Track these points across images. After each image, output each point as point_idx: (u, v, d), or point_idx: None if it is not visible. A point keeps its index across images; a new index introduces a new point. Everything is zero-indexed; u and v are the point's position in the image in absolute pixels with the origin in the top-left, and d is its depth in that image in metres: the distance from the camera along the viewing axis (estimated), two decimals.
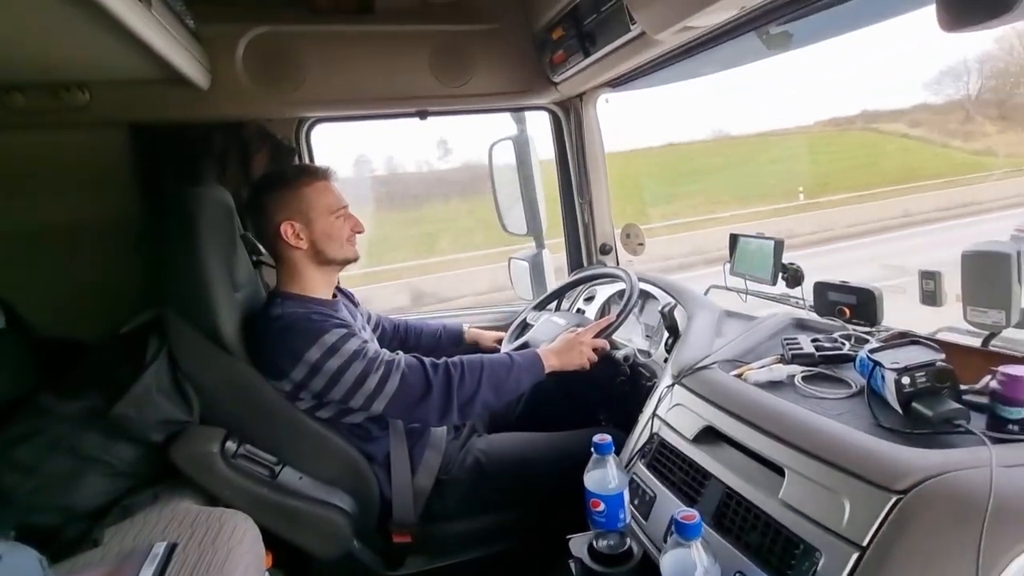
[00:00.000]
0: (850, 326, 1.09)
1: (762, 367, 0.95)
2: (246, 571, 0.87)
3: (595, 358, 1.22)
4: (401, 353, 1.13)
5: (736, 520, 0.75)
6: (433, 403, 1.08)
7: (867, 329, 1.07)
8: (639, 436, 1.01)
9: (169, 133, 1.45)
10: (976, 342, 0.93)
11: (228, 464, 1.05)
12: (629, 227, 1.86)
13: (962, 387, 0.75)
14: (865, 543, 0.60)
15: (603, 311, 1.67)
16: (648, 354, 1.41)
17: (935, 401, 0.72)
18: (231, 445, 1.06)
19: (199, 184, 1.40)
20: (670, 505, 0.85)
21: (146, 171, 1.45)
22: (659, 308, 1.31)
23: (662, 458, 0.92)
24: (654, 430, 0.98)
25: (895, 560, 0.57)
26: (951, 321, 0.98)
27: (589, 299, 1.76)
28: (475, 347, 1.56)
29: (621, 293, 1.48)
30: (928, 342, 0.81)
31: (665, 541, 0.78)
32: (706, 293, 1.50)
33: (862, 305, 1.07)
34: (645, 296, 1.57)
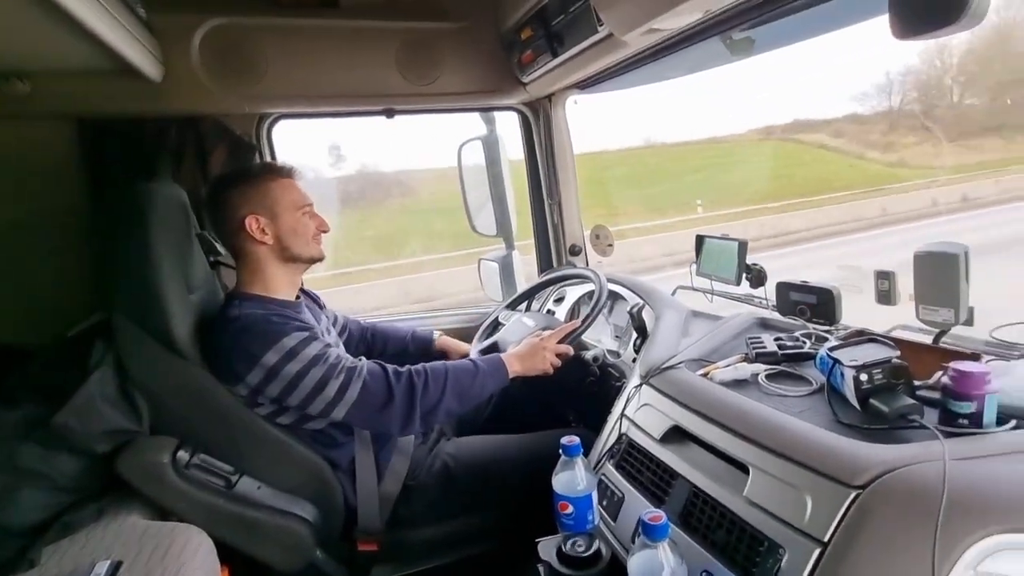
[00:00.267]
0: (811, 325, 1.12)
1: (727, 366, 0.96)
2: None
3: (559, 363, 1.22)
4: (364, 359, 1.10)
5: (703, 519, 0.75)
6: (395, 412, 1.05)
7: (827, 328, 1.09)
8: (607, 437, 1.01)
9: (121, 127, 1.38)
10: (928, 339, 0.96)
11: (180, 475, 1.00)
12: (598, 228, 1.87)
13: (916, 383, 0.77)
14: (826, 539, 0.60)
15: (573, 312, 1.68)
16: (617, 354, 1.42)
17: (891, 397, 0.74)
18: (183, 455, 1.01)
19: (153, 181, 1.33)
20: (638, 505, 0.84)
21: (95, 167, 1.38)
22: (628, 309, 1.32)
23: (630, 458, 0.92)
24: (622, 430, 0.98)
25: (855, 554, 0.58)
26: (906, 319, 1.02)
27: (559, 300, 1.76)
28: (444, 356, 1.54)
29: (591, 294, 1.49)
30: (884, 340, 0.83)
31: (633, 542, 0.78)
32: (673, 293, 1.52)
33: (822, 304, 1.10)
34: (614, 297, 1.57)
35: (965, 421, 0.68)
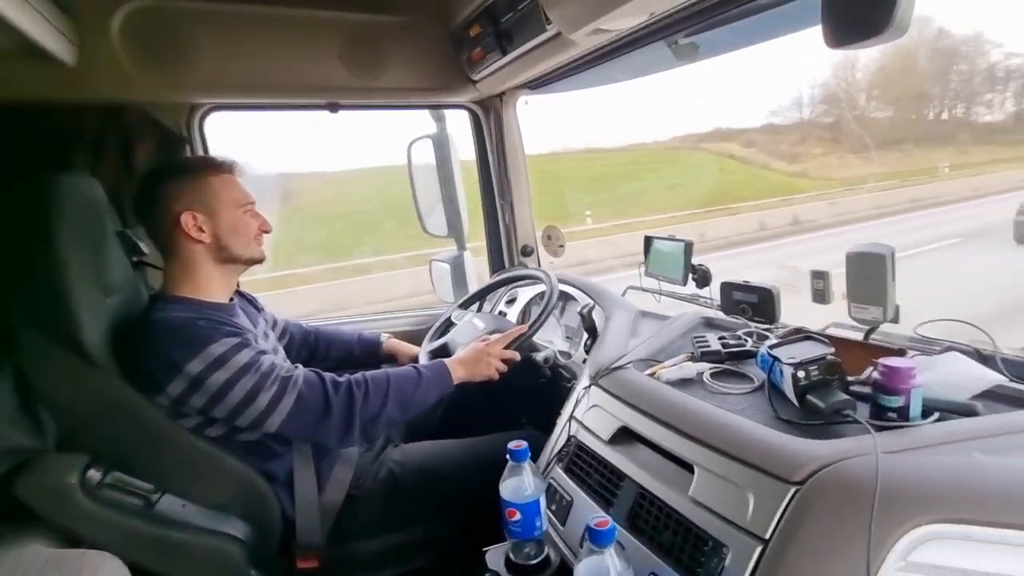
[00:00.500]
0: (752, 323, 1.15)
1: (673, 365, 0.97)
2: None
3: (504, 368, 1.20)
4: (300, 367, 1.04)
5: (649, 520, 0.75)
6: (333, 424, 1.00)
7: (767, 326, 1.13)
8: (557, 440, 1.00)
9: (30, 114, 1.25)
10: (859, 336, 1.00)
11: (90, 496, 0.90)
12: (550, 229, 1.86)
13: (849, 379, 0.80)
14: (768, 536, 0.61)
15: (525, 313, 1.66)
16: (569, 355, 1.42)
17: (826, 393, 0.76)
18: (94, 474, 0.92)
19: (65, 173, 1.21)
20: (587, 509, 0.83)
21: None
22: (578, 310, 1.32)
23: (579, 461, 0.91)
24: (571, 433, 0.97)
25: (794, 550, 0.59)
26: (840, 317, 1.06)
27: (511, 301, 1.74)
28: (392, 359, 1.49)
29: (542, 295, 1.48)
30: (819, 337, 0.85)
31: (582, 546, 0.77)
32: (623, 294, 1.54)
33: (762, 303, 1.13)
34: (566, 298, 1.57)
35: (894, 415, 0.71)
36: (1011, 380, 0.76)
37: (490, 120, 1.77)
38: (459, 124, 1.88)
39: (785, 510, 0.61)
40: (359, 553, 1.15)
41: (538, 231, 1.89)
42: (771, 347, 0.85)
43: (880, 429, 0.68)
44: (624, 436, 0.87)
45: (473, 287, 1.81)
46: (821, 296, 1.10)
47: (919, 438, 0.65)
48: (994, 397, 0.75)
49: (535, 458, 1.05)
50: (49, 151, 1.28)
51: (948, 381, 0.76)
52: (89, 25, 1.22)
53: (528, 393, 1.40)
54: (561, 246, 1.86)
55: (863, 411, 0.74)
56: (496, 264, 1.94)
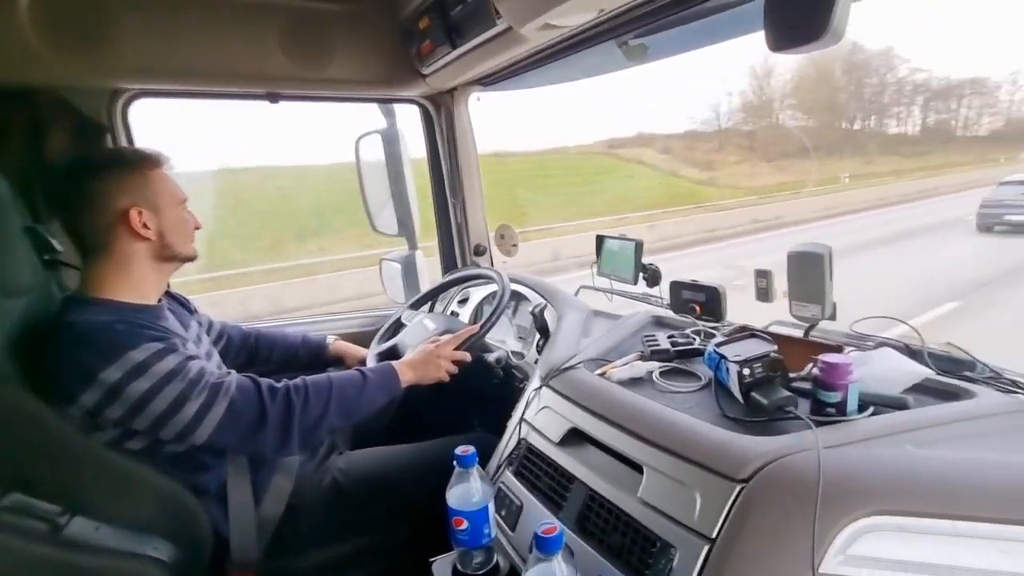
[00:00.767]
0: (700, 322, 1.16)
1: (624, 365, 0.96)
2: None
3: (454, 370, 1.17)
4: (233, 373, 0.97)
5: (599, 523, 0.73)
6: (268, 433, 0.94)
7: (714, 324, 1.14)
8: (507, 443, 0.98)
9: None
10: (800, 333, 1.03)
11: None
12: (503, 228, 1.84)
13: (791, 375, 0.82)
14: (714, 535, 0.61)
15: (477, 313, 1.64)
16: (521, 355, 1.40)
17: (770, 390, 0.77)
18: None
19: None
20: (537, 513, 0.81)
21: None
22: (530, 309, 1.30)
23: (529, 464, 0.89)
24: (522, 435, 0.95)
25: (739, 548, 0.59)
26: (782, 315, 1.09)
27: (463, 301, 1.71)
28: (339, 362, 1.43)
29: (495, 295, 1.46)
30: (762, 335, 0.87)
31: (531, 551, 0.75)
32: (576, 293, 1.53)
33: (710, 302, 1.15)
34: (519, 298, 1.55)
35: (832, 410, 0.73)
36: (937, 373, 0.80)
37: (441, 116, 1.73)
38: (411, 119, 1.83)
39: (731, 508, 0.61)
40: (300, 566, 1.09)
41: (491, 230, 1.87)
42: (718, 345, 0.86)
43: (820, 424, 0.69)
44: (574, 438, 0.86)
45: (425, 287, 1.77)
46: (765, 294, 1.13)
47: (856, 432, 0.67)
48: (923, 390, 0.78)
49: (488, 462, 1.03)
50: None
51: (882, 376, 0.79)
52: None
53: (480, 395, 1.37)
54: (515, 245, 1.84)
55: (804, 407, 0.76)
56: (448, 264, 1.90)
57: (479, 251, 1.85)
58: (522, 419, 0.97)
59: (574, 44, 1.27)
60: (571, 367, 0.97)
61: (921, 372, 0.79)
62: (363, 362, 1.40)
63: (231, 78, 1.39)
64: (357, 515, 1.11)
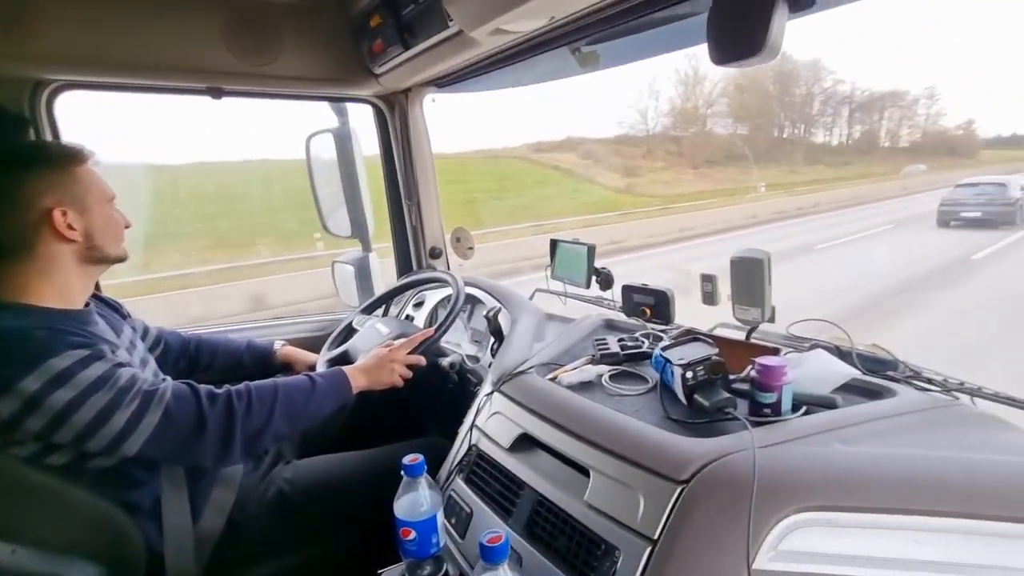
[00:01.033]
0: (650, 325, 1.19)
1: (574, 368, 0.98)
2: None
3: (409, 374, 1.15)
4: (169, 379, 0.92)
5: (547, 528, 0.74)
6: (208, 441, 0.89)
7: (663, 327, 1.18)
8: (458, 449, 0.97)
9: None
10: (742, 335, 1.08)
11: None
12: (459, 231, 1.83)
13: (731, 377, 0.85)
14: (656, 536, 0.62)
15: (432, 317, 1.62)
16: (476, 359, 1.39)
17: (711, 392, 0.80)
18: None
19: None
20: (487, 520, 0.81)
21: None
22: (484, 313, 1.30)
23: (480, 470, 0.89)
24: (472, 442, 0.94)
25: (680, 548, 0.60)
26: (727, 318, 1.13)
27: (418, 304, 1.69)
28: (287, 368, 1.38)
29: (450, 298, 1.45)
30: (705, 338, 0.90)
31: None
32: (531, 297, 1.54)
33: (659, 305, 1.18)
34: (474, 301, 1.55)
35: (768, 410, 0.76)
36: (864, 373, 0.85)
37: (395, 117, 1.70)
38: (365, 118, 1.80)
39: (672, 509, 0.63)
40: None
41: (447, 233, 1.86)
42: (663, 348, 0.89)
43: (756, 424, 0.72)
44: (525, 443, 0.86)
45: (380, 290, 1.74)
46: (710, 298, 1.17)
47: (788, 431, 0.70)
48: (850, 389, 0.83)
49: (442, 468, 1.02)
50: None
51: (814, 376, 0.83)
52: None
53: (435, 400, 1.36)
54: (471, 248, 1.83)
55: (744, 407, 0.79)
56: (403, 266, 1.87)
57: (435, 254, 1.83)
58: (473, 425, 0.97)
59: (527, 49, 1.27)
60: (522, 372, 0.97)
61: (849, 372, 0.83)
62: (313, 368, 1.36)
63: (169, 71, 1.32)
64: (303, 527, 1.08)
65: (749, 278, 1.01)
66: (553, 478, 0.78)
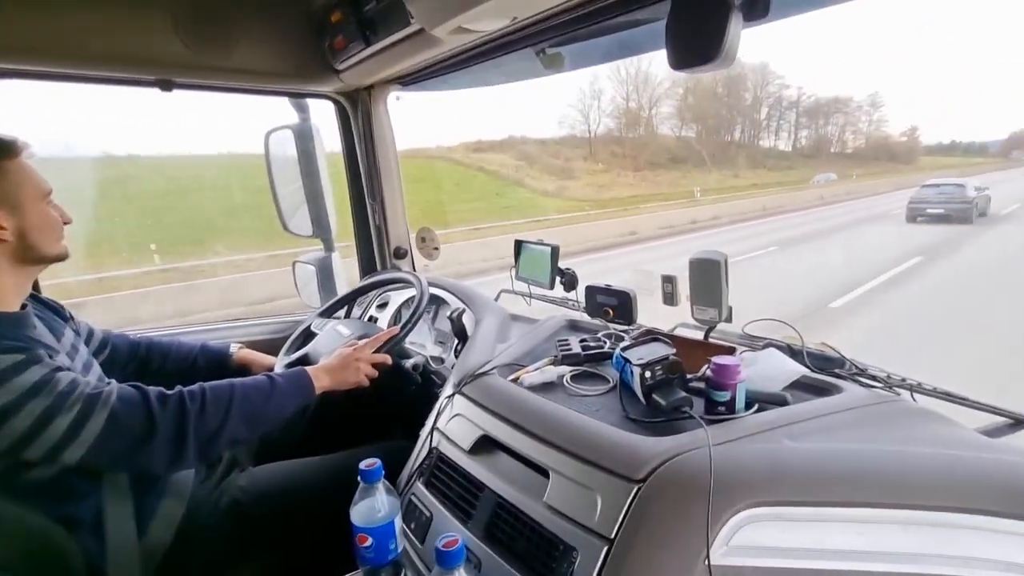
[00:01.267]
0: (612, 325, 1.21)
1: (536, 369, 0.98)
2: None
3: (374, 374, 1.13)
4: (114, 383, 0.88)
5: (507, 530, 0.73)
6: (159, 445, 0.85)
7: (624, 328, 1.19)
8: (419, 452, 0.96)
9: None
10: (701, 335, 1.10)
11: None
12: (424, 231, 1.81)
13: (688, 376, 0.86)
14: (613, 535, 0.63)
15: (396, 318, 1.59)
16: (441, 360, 1.38)
17: (668, 391, 0.81)
18: None
19: None
20: (446, 524, 0.80)
21: None
22: (448, 314, 1.29)
23: (440, 474, 0.88)
24: (433, 444, 0.93)
25: (636, 546, 0.61)
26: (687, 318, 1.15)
27: (382, 306, 1.66)
28: (244, 372, 1.33)
29: (414, 299, 1.43)
30: (664, 338, 0.91)
31: None
32: (497, 298, 1.54)
33: (622, 306, 1.19)
34: (439, 302, 1.53)
35: (723, 408, 0.78)
36: (812, 371, 0.88)
37: (358, 114, 1.67)
38: (327, 115, 1.76)
39: (628, 508, 0.63)
40: None
41: (412, 232, 1.84)
42: (623, 349, 0.90)
43: (711, 423, 0.74)
44: (485, 445, 0.86)
45: (343, 290, 1.70)
46: (670, 299, 1.20)
47: (741, 428, 0.72)
48: (800, 387, 0.85)
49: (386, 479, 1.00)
50: None
51: (766, 374, 0.86)
52: None
53: (399, 402, 1.34)
54: (436, 248, 1.82)
55: (700, 406, 0.80)
56: (367, 267, 1.84)
57: (399, 254, 1.81)
58: (434, 427, 0.96)
59: (492, 50, 1.27)
60: (484, 373, 0.97)
61: (799, 370, 0.86)
62: (271, 371, 1.32)
63: (114, 61, 1.25)
64: (258, 537, 1.04)
65: (707, 279, 1.03)
66: (513, 480, 0.78)
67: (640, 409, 0.83)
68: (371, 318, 1.65)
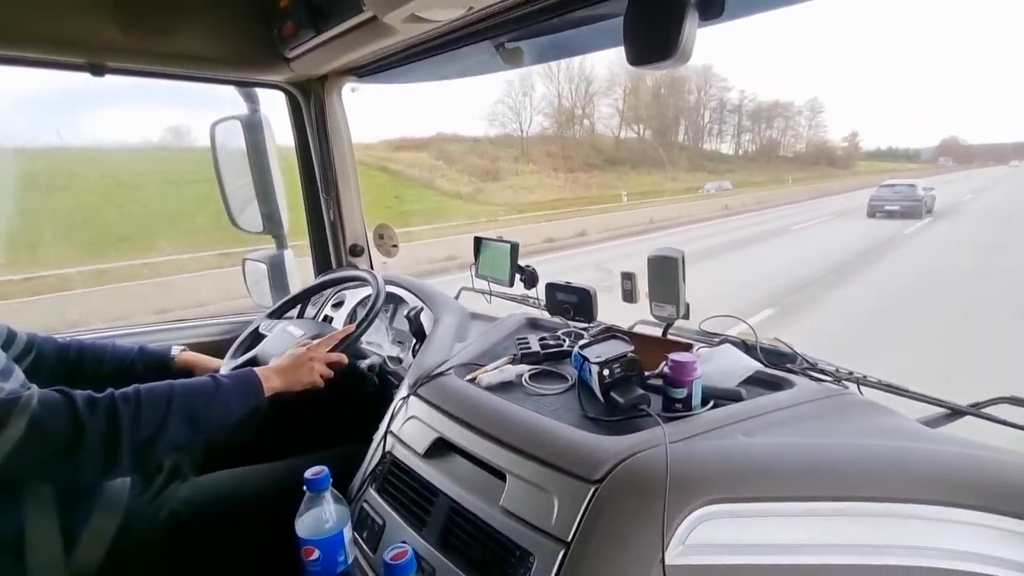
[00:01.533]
0: (572, 323, 1.20)
1: (494, 369, 0.96)
2: None
3: (329, 374, 1.08)
4: (35, 387, 0.80)
5: (462, 537, 0.71)
6: (88, 453, 0.79)
7: (585, 325, 1.18)
8: (371, 457, 0.92)
9: None
10: (659, 332, 1.10)
11: None
12: (382, 228, 1.76)
13: (646, 373, 0.86)
14: (570, 538, 0.61)
15: (352, 317, 1.54)
16: (399, 361, 1.34)
17: (626, 389, 0.80)
18: None
19: None
20: (399, 532, 0.77)
21: None
22: (405, 313, 1.25)
23: (393, 479, 0.85)
24: (387, 449, 0.90)
25: (593, 548, 0.60)
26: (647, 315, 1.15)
27: (338, 305, 1.60)
28: (188, 376, 1.26)
29: (370, 297, 1.38)
30: (622, 335, 0.91)
31: None
32: (457, 296, 1.51)
33: (582, 303, 1.19)
34: (397, 300, 1.49)
35: (680, 405, 0.77)
36: (766, 366, 0.89)
37: (311, 106, 1.60)
38: (279, 106, 1.68)
39: (586, 510, 0.62)
40: None
41: (370, 230, 1.78)
42: (582, 347, 0.88)
43: (668, 420, 0.73)
44: (441, 448, 0.83)
45: (296, 289, 1.63)
46: (630, 296, 1.20)
47: (698, 425, 0.72)
48: (754, 382, 0.86)
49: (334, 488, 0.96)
50: None
51: (722, 370, 0.86)
52: None
53: (355, 405, 1.29)
54: (395, 246, 1.77)
55: (658, 404, 0.80)
56: (322, 265, 1.77)
57: (356, 251, 1.75)
58: (387, 431, 0.92)
59: (449, 42, 1.24)
60: (440, 374, 0.94)
61: (753, 366, 0.87)
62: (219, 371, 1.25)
63: (40, 43, 1.15)
64: (199, 553, 0.98)
65: (665, 276, 1.04)
66: (469, 484, 0.75)
67: (598, 408, 0.82)
68: (326, 318, 1.59)
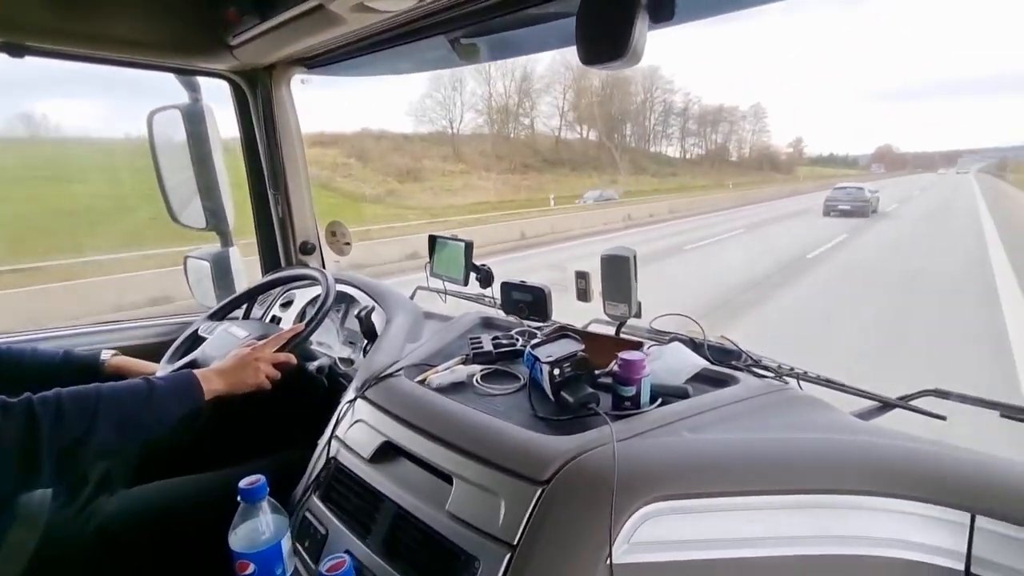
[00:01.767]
0: (526, 322, 1.19)
1: (446, 369, 0.94)
2: None
3: (276, 375, 1.04)
4: None
5: (408, 543, 0.69)
6: (3, 461, 0.72)
7: (539, 324, 1.18)
8: (315, 463, 0.88)
9: None
10: (613, 331, 1.11)
11: None
12: (334, 225, 1.71)
13: (597, 372, 0.86)
14: (516, 541, 0.60)
15: (301, 318, 1.49)
16: (350, 362, 1.30)
17: (576, 388, 0.80)
18: None
19: None
20: (343, 541, 0.74)
21: None
22: (356, 312, 1.21)
23: (338, 485, 0.81)
24: (331, 454, 0.86)
25: (538, 551, 0.59)
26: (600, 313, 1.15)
27: (286, 305, 1.54)
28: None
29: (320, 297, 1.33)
30: (573, 335, 0.90)
31: None
32: (413, 295, 1.48)
33: (537, 302, 1.18)
34: (348, 300, 1.45)
35: (628, 403, 0.78)
36: (712, 363, 0.91)
37: (257, 97, 1.53)
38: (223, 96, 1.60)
39: (532, 512, 0.61)
40: None
41: (321, 226, 1.72)
42: (533, 346, 0.88)
43: (617, 418, 0.74)
44: (388, 452, 0.80)
45: (242, 288, 1.56)
46: (584, 295, 1.20)
47: (645, 423, 0.72)
48: (701, 379, 0.88)
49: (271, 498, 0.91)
50: None
51: (670, 368, 0.88)
52: None
53: (304, 407, 1.24)
54: (348, 244, 1.72)
55: (607, 402, 0.80)
56: (270, 263, 1.70)
57: (307, 249, 1.69)
58: (332, 435, 0.89)
59: (402, 35, 1.21)
60: (389, 375, 0.91)
61: (699, 363, 0.89)
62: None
63: None
64: (129, 569, 0.92)
65: (617, 275, 1.04)
66: (415, 489, 0.73)
67: (549, 407, 0.82)
68: (274, 318, 1.53)
